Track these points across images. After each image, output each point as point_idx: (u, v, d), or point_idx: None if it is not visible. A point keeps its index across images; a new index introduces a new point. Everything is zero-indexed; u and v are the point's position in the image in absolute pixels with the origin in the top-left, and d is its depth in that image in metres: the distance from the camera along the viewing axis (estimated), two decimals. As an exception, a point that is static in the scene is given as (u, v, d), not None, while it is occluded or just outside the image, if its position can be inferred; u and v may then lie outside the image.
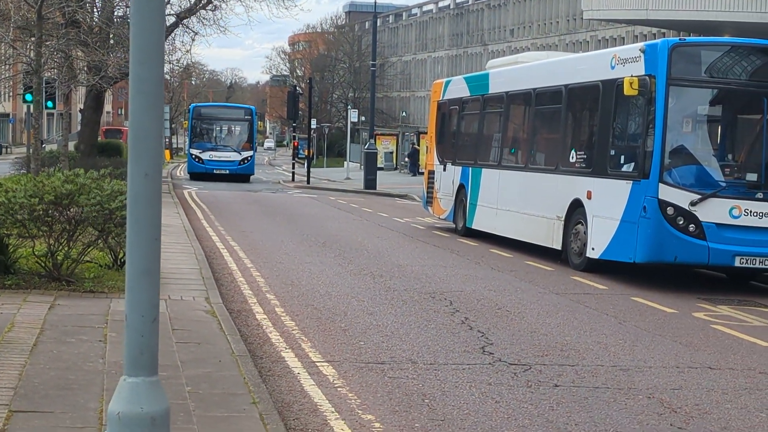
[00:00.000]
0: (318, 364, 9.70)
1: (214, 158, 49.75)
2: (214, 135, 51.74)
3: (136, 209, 4.05)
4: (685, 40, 16.67)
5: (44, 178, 13.01)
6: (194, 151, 50.61)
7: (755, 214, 15.66)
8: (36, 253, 12.97)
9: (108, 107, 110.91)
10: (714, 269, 17.37)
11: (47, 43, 24.19)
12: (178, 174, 60.21)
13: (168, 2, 33.07)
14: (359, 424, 7.74)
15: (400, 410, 8.18)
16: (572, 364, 10.17)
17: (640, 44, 16.75)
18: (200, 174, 49.47)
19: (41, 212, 12.47)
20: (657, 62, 15.79)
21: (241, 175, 49.99)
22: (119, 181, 13.98)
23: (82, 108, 44.05)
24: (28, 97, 30.66)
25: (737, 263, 15.77)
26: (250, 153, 50.89)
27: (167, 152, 77.47)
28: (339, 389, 8.76)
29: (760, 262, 15.77)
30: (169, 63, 39.76)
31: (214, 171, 49.31)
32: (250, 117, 52.17)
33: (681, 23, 44.11)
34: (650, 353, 10.96)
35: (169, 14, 33.86)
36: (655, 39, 54.14)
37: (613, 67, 17.13)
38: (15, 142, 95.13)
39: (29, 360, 8.77)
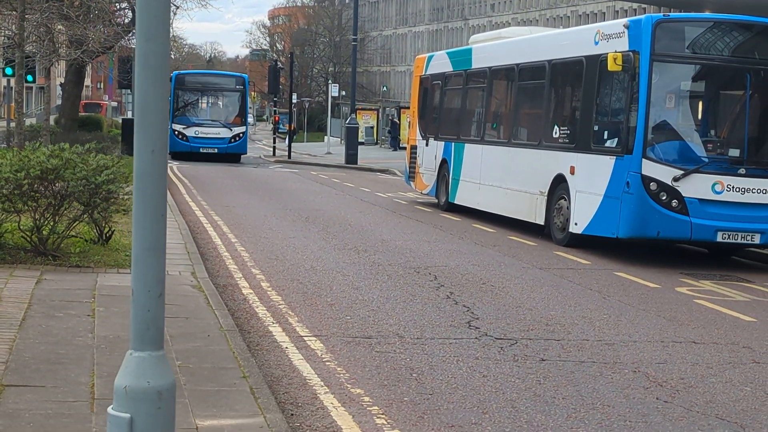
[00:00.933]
0: (305, 338, 9.75)
1: (200, 135, 42.94)
2: (201, 108, 44.75)
3: (143, 185, 4.07)
4: (668, 16, 16.74)
5: (29, 153, 12.97)
6: (177, 127, 42.83)
7: (737, 189, 15.77)
8: (22, 227, 12.95)
9: (87, 81, 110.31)
10: (696, 244, 17.50)
11: (28, 16, 24.04)
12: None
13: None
14: (348, 398, 7.80)
15: (388, 384, 8.25)
16: (558, 339, 10.25)
17: (624, 20, 16.79)
18: (184, 154, 42.80)
19: (27, 187, 12.44)
20: (641, 38, 15.84)
21: (231, 154, 43.92)
22: (104, 156, 13.97)
23: (62, 82, 43.86)
24: (8, 70, 30.53)
25: (719, 238, 15.89)
26: (242, 129, 44.04)
27: (147, 126, 77.13)
28: (327, 363, 8.82)
29: (742, 237, 15.89)
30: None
31: (201, 150, 42.83)
32: (242, 87, 44.98)
33: (662, -1, 44.10)
34: (635, 328, 11.06)
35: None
36: (636, 15, 54.16)
37: (596, 43, 17.18)
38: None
39: (18, 334, 8.79)
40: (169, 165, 38.35)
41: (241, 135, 43.70)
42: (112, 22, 32.10)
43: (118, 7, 35.34)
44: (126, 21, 34.58)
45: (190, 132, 42.90)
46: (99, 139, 29.71)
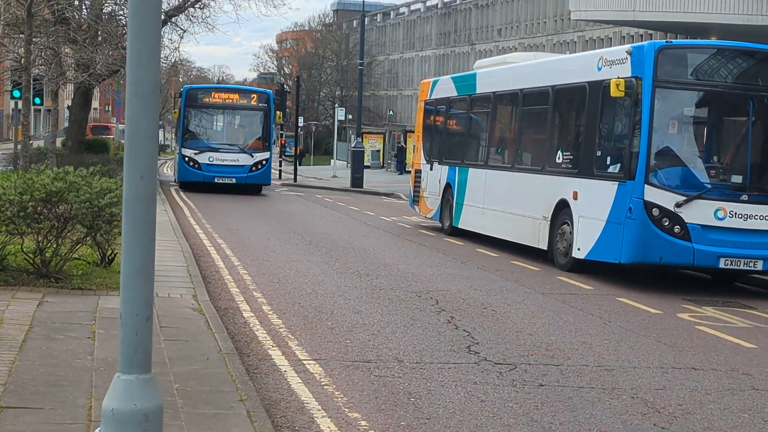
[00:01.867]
0: (305, 362, 9.77)
1: (215, 162, 35.76)
2: (216, 129, 37.59)
3: (132, 210, 4.12)
4: (671, 42, 16.78)
5: (34, 175, 13.04)
6: (187, 152, 36.21)
7: (740, 216, 15.79)
8: (24, 249, 13.01)
9: (95, 104, 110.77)
10: (699, 270, 17.49)
11: (36, 40, 24.19)
12: (164, 171, 60.14)
13: (157, -1, 32.97)
14: (345, 422, 7.81)
15: (386, 408, 8.26)
16: (557, 364, 10.26)
17: (627, 46, 16.87)
18: (195, 184, 36.05)
19: (31, 209, 12.51)
20: (644, 64, 15.90)
21: (252, 185, 36.74)
22: (108, 179, 14.04)
23: (69, 105, 43.99)
24: (16, 93, 30.71)
25: (722, 264, 15.89)
26: (265, 155, 36.54)
27: (154, 149, 77.06)
28: (325, 387, 8.83)
29: (744, 263, 15.89)
30: (157, 60, 39.66)
31: (215, 180, 35.68)
32: (266, 104, 37.13)
33: (668, 24, 44.28)
34: (634, 353, 11.06)
35: (159, 11, 33.85)
36: (642, 40, 54.32)
37: (599, 69, 17.24)
38: (2, 138, 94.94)
39: (18, 356, 8.82)
40: (174, 187, 38.54)
41: (263, 162, 36.29)
42: (119, 46, 32.24)
43: (126, 30, 35.52)
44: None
45: (203, 158, 35.76)
46: (105, 161, 29.89)
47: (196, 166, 35.69)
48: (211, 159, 35.62)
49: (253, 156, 36.03)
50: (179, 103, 38.35)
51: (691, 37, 40.85)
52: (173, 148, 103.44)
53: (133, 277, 4.08)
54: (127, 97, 4.01)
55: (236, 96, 37.86)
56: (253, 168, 35.95)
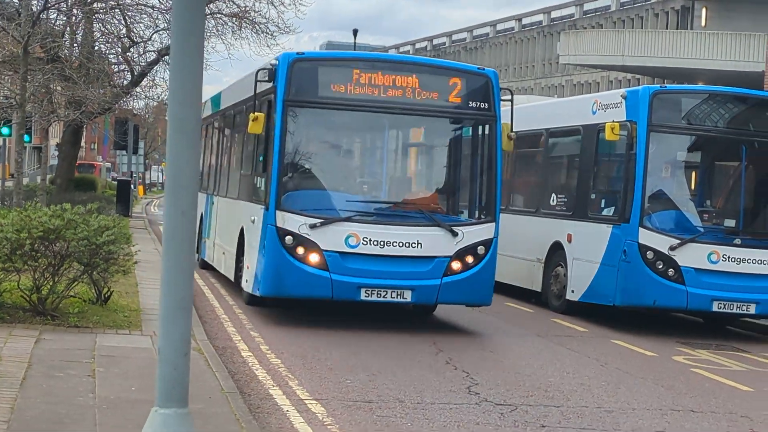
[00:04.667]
0: (306, 401, 9.75)
1: (367, 250, 14.12)
2: (359, 163, 16.59)
3: (173, 245, 4.15)
4: (665, 87, 16.96)
5: (31, 213, 13.03)
6: (288, 218, 14.14)
7: (733, 259, 15.86)
8: (21, 287, 12.97)
9: (81, 141, 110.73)
10: (692, 314, 17.55)
11: (31, 77, 24.26)
12: (152, 210, 59.94)
13: (149, 39, 33.21)
14: (351, 461, 7.79)
15: (390, 449, 8.25)
16: (557, 405, 10.27)
17: (622, 90, 17.01)
18: (301, 300, 14.99)
19: (28, 247, 12.48)
20: (638, 108, 16.01)
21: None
22: (106, 217, 14.03)
23: (58, 142, 44.00)
24: (5, 130, 30.72)
25: (715, 308, 15.94)
26: (489, 228, 14.76)
27: (141, 188, 77.07)
28: (329, 427, 8.82)
29: (737, 307, 15.94)
30: (147, 98, 39.78)
31: (362, 295, 14.11)
32: (488, 112, 14.88)
33: (656, 70, 44.72)
34: (633, 395, 11.08)
35: (151, 50, 34.02)
36: (630, 85, 54.75)
37: (594, 113, 17.36)
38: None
39: (20, 393, 8.78)
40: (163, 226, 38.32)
41: (486, 248, 14.78)
42: (111, 84, 32.32)
43: (117, 69, 35.60)
44: (125, 83, 34.82)
45: (338, 236, 14.15)
46: (94, 199, 29.85)
47: (312, 251, 14.07)
48: (363, 236, 14.17)
49: (456, 233, 14.57)
50: (261, 101, 15.22)
51: (678, 83, 41.24)
52: (159, 187, 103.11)
53: (173, 312, 4.11)
54: (169, 134, 4.05)
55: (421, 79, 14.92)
56: (463, 266, 14.62)
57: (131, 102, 40.12)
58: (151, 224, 38.10)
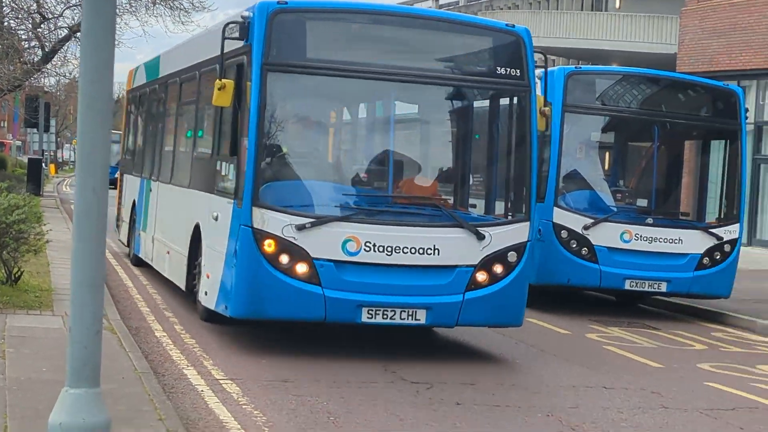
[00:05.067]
0: (221, 381, 9.68)
1: (374, 256, 11.14)
2: (359, 146, 13.60)
3: (84, 223, 4.07)
4: (580, 68, 17.10)
5: (-62, 191, 12.75)
6: (268, 217, 10.93)
7: (645, 238, 16.08)
8: (-73, 266, 12.69)
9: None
10: (605, 292, 17.77)
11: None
12: (64, 189, 58.98)
13: (61, 15, 32.62)
14: (266, 441, 7.76)
15: (306, 428, 8.23)
16: (472, 383, 10.33)
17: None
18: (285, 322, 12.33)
19: (-65, 225, 12.22)
20: (554, 89, 16.12)
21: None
22: (16, 195, 13.77)
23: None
24: None
25: (627, 286, 16.14)
26: (523, 229, 11.69)
27: (52, 166, 75.75)
28: (244, 407, 8.77)
29: (649, 285, 16.16)
30: (58, 75, 39.11)
31: (364, 317, 11.16)
32: (520, 73, 11.91)
33: (571, 51, 45.14)
34: (547, 373, 11.20)
35: (62, 27, 33.40)
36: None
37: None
38: None
39: (-74, 375, 8.59)
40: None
41: (518, 255, 11.59)
42: (21, 60, 31.68)
43: (28, 45, 34.88)
44: (35, 59, 34.15)
45: (334, 242, 11.08)
46: (4, 178, 29.31)
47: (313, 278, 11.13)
48: (355, 248, 11.10)
49: (482, 235, 11.51)
50: (229, 65, 11.68)
51: (592, 64, 41.73)
52: (71, 165, 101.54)
53: (82, 290, 4.04)
54: (80, 110, 3.98)
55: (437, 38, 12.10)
56: (483, 276, 11.61)
57: (42, 79, 39.50)
58: (63, 203, 37.53)
